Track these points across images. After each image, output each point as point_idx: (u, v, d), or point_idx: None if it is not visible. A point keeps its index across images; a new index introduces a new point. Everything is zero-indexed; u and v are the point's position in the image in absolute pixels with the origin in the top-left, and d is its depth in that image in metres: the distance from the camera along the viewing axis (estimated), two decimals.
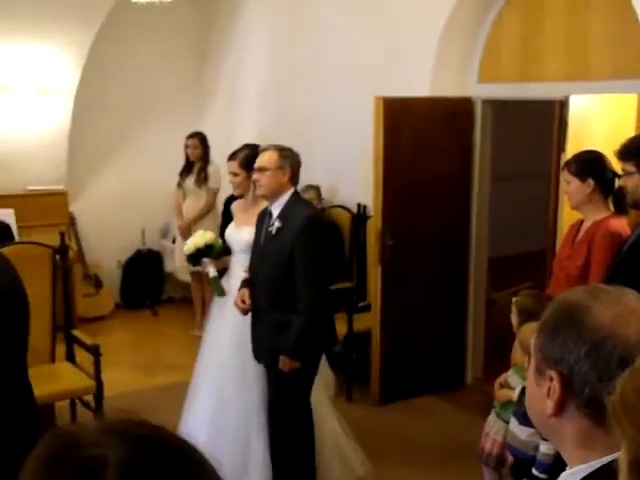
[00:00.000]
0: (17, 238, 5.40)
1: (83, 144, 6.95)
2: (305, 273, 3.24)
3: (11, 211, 5.98)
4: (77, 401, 4.28)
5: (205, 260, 3.78)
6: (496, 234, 5.51)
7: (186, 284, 6.74)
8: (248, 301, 3.39)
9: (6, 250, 4.20)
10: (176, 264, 6.37)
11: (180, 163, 6.20)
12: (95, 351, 4.03)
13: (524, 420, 2.84)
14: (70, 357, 4.39)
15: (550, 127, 4.60)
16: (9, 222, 5.68)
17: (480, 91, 5.02)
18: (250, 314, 3.44)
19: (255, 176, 3.40)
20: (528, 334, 2.81)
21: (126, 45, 7.20)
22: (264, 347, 3.39)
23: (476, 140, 5.05)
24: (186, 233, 6.15)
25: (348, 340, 4.95)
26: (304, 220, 3.27)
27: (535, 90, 4.67)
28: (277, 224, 3.31)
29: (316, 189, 5.55)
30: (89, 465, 0.84)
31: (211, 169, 6.09)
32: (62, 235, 4.51)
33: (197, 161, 6.11)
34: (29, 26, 6.23)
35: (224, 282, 3.78)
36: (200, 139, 6.13)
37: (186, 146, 6.11)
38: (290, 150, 3.45)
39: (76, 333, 4.39)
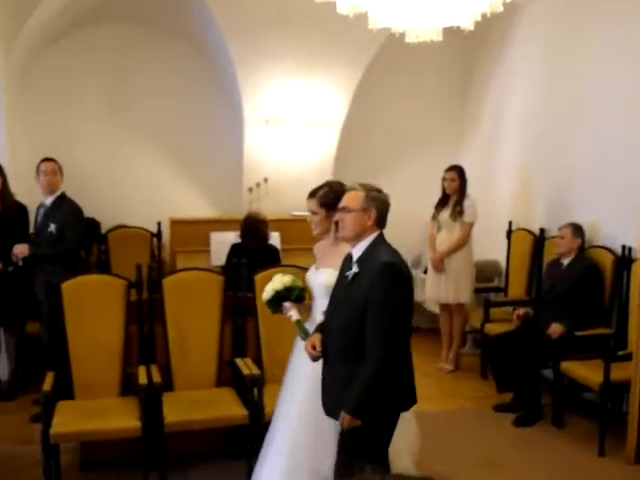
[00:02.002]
0: (282, 260, 5.85)
1: (345, 173, 7.32)
2: (377, 323, 2.93)
3: (277, 234, 6.49)
4: None
5: (286, 305, 3.60)
6: None
7: (434, 315, 6.77)
8: (319, 348, 3.17)
9: (271, 272, 4.55)
10: (426, 295, 6.43)
11: (436, 195, 6.25)
12: None
13: None
14: None
15: None
16: (275, 244, 6.17)
17: None
18: (322, 361, 3.21)
19: (338, 216, 3.17)
20: None
21: (391, 80, 7.49)
22: (333, 402, 3.12)
23: None
24: (439, 266, 6.20)
25: (604, 389, 4.66)
26: (380, 266, 2.95)
27: None
28: (354, 269, 3.06)
29: (574, 227, 5.33)
30: None
31: (467, 203, 6.07)
32: None
33: (453, 194, 6.11)
34: (304, 66, 6.74)
35: (307, 327, 3.57)
36: (458, 172, 6.12)
37: (443, 179, 6.14)
38: (379, 191, 3.19)
39: None
